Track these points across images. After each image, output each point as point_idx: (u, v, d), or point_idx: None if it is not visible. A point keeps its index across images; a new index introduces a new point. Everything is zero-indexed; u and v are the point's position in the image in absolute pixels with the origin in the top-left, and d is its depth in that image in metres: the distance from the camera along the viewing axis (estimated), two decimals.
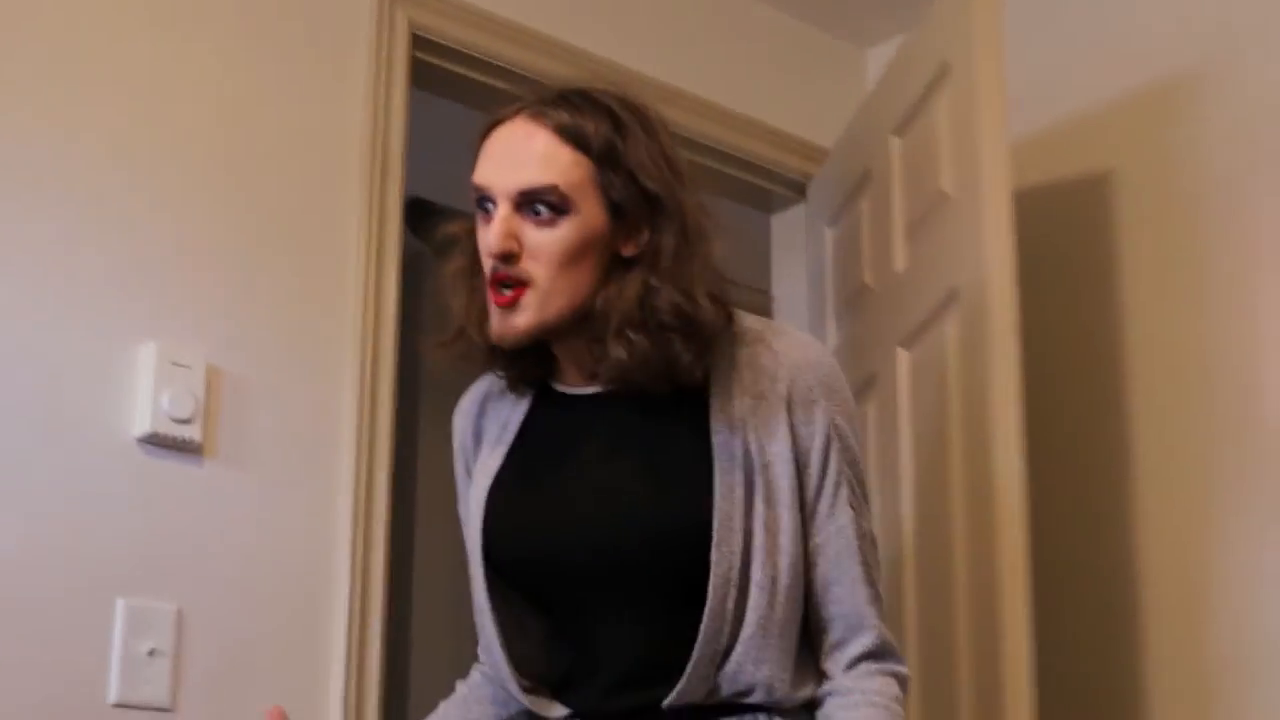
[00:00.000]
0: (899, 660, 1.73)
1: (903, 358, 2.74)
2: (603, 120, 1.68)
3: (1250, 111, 2.84)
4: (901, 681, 1.72)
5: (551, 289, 1.66)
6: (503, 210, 1.66)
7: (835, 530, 1.70)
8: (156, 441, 2.27)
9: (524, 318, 1.67)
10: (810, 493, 1.70)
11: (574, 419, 1.75)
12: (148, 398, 2.27)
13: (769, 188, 3.25)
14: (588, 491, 1.71)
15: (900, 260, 2.79)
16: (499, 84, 2.73)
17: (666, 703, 1.66)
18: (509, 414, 1.81)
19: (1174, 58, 2.95)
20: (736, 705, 1.68)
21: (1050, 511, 2.84)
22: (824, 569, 1.70)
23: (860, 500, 1.74)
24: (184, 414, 2.29)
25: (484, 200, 1.69)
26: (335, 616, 2.41)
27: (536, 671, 1.75)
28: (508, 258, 1.66)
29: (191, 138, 2.42)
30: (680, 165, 1.73)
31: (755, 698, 1.67)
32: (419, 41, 2.70)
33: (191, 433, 2.30)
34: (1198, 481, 2.78)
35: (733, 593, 1.65)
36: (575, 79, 1.78)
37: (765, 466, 1.68)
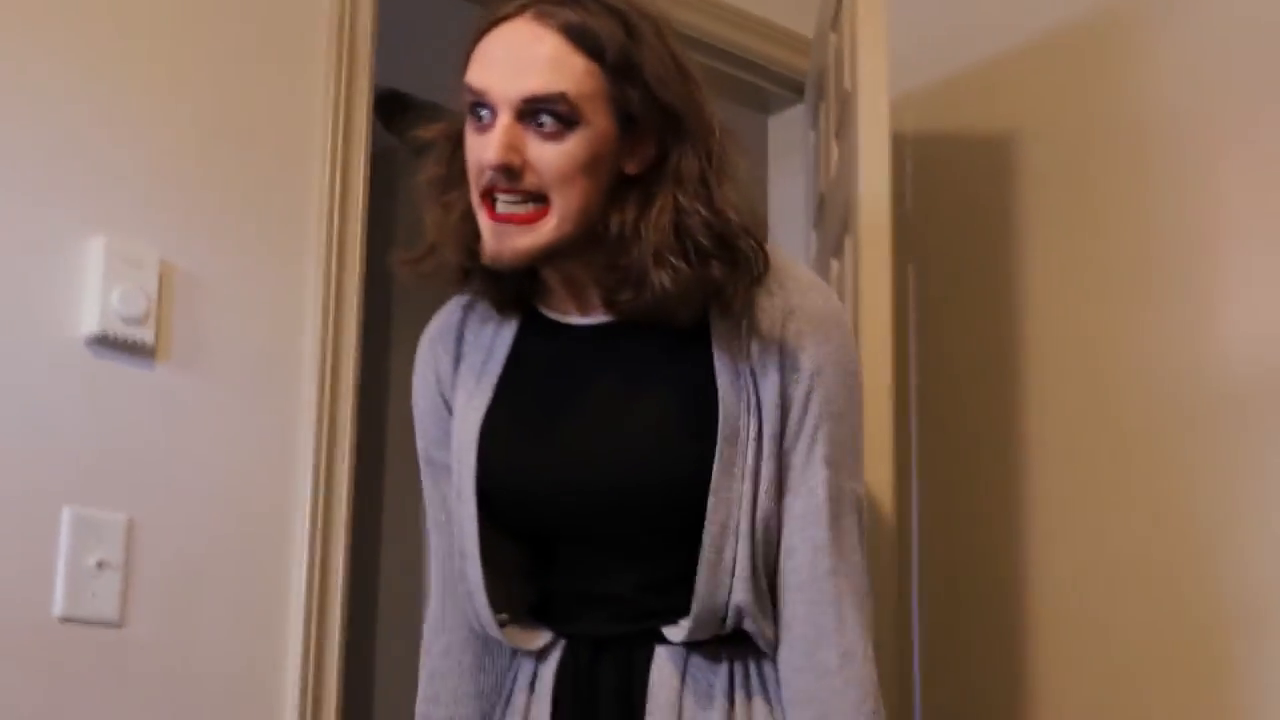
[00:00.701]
0: (856, 648, 1.62)
1: (834, 269, 2.66)
2: (615, 24, 1.58)
3: (1172, 58, 2.76)
4: (853, 683, 1.61)
5: (566, 212, 1.57)
6: (504, 119, 1.56)
7: (806, 491, 1.63)
8: (106, 343, 2.20)
9: (528, 239, 1.58)
10: (788, 442, 1.63)
11: (571, 351, 1.69)
12: (95, 296, 2.19)
13: (765, 86, 3.14)
14: (590, 433, 1.65)
15: (833, 162, 2.73)
16: None
17: (671, 632, 1.63)
18: (491, 340, 1.73)
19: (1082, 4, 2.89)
20: (738, 634, 1.65)
21: (934, 487, 2.86)
22: (789, 534, 1.63)
23: (844, 457, 1.65)
24: (135, 313, 2.21)
25: (479, 106, 1.58)
26: (296, 528, 2.35)
27: (514, 605, 1.70)
28: (510, 172, 1.56)
29: (148, 17, 2.32)
30: (697, 76, 1.64)
31: (748, 626, 1.64)
32: None
33: (143, 334, 2.22)
34: (1094, 473, 2.74)
35: (731, 540, 1.61)
36: None
37: (758, 410, 1.62)
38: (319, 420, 2.37)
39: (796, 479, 1.63)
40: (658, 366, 1.65)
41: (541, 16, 1.57)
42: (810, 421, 1.63)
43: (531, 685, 1.70)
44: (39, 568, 2.10)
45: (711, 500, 1.59)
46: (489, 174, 1.57)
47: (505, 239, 1.59)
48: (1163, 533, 2.64)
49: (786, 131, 3.21)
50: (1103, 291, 2.80)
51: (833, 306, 1.70)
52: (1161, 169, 2.74)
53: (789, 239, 3.09)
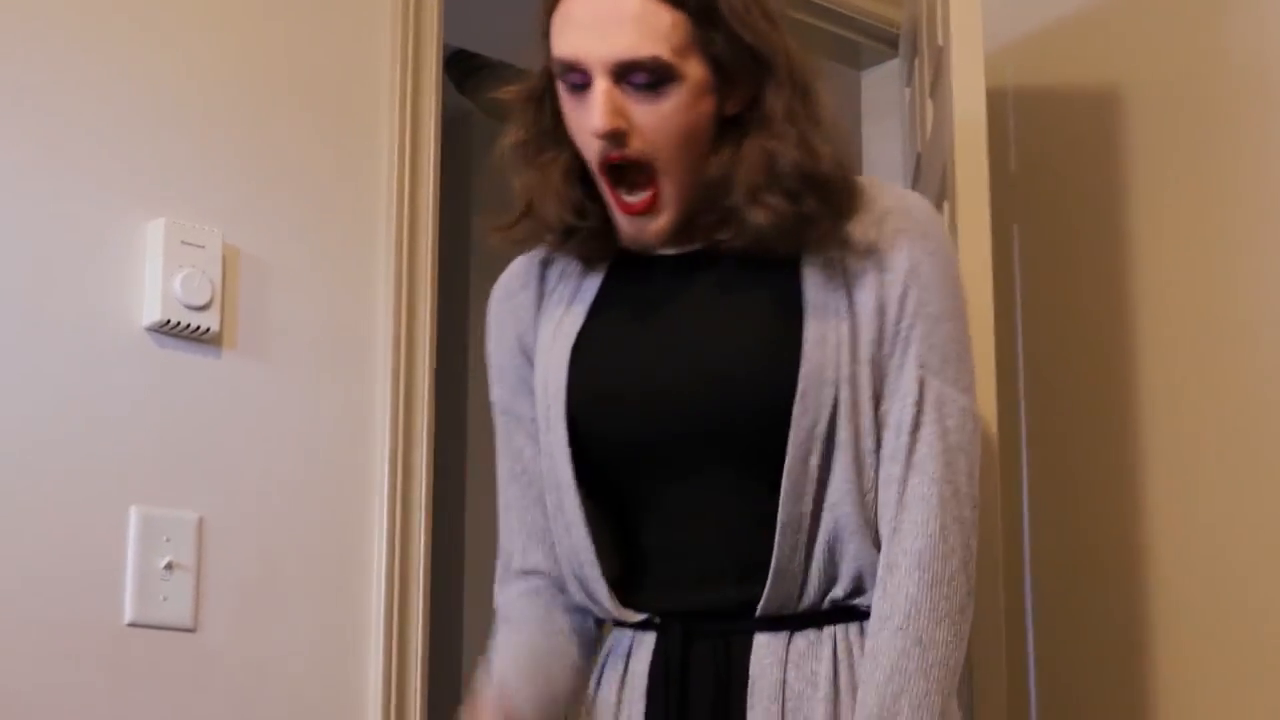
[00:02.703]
0: (941, 577, 1.57)
1: None
2: None
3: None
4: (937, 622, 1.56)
5: (680, 171, 1.62)
6: (601, 84, 1.58)
7: (899, 394, 1.61)
8: (169, 330, 2.15)
9: (661, 221, 1.64)
10: (885, 347, 1.62)
11: (663, 278, 1.70)
12: (157, 281, 2.14)
13: (857, 40, 3.04)
14: (682, 343, 1.66)
15: (929, 123, 2.64)
16: None
17: (763, 602, 1.61)
18: (579, 280, 1.74)
19: None
20: (845, 612, 1.62)
21: (1044, 462, 2.79)
22: (885, 440, 1.61)
23: (944, 360, 1.62)
24: (199, 300, 2.15)
25: (571, 73, 1.60)
26: (373, 524, 2.29)
27: (610, 577, 1.69)
28: (617, 137, 1.59)
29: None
30: (776, 11, 1.65)
31: (845, 585, 1.61)
32: None
33: (208, 320, 2.17)
34: (1214, 447, 2.63)
35: (817, 447, 1.59)
36: None
37: (853, 317, 1.62)
38: (394, 405, 2.31)
39: (892, 383, 1.62)
40: (751, 282, 1.66)
41: None
42: (905, 322, 1.62)
43: (623, 680, 1.68)
44: (107, 571, 2.06)
45: (797, 407, 1.59)
46: (598, 143, 1.60)
47: (642, 226, 1.65)
48: None
49: (881, 87, 3.13)
50: (1221, 253, 2.69)
51: (931, 211, 1.71)
52: (1274, 126, 2.62)
53: None
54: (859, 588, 1.61)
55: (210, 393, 2.17)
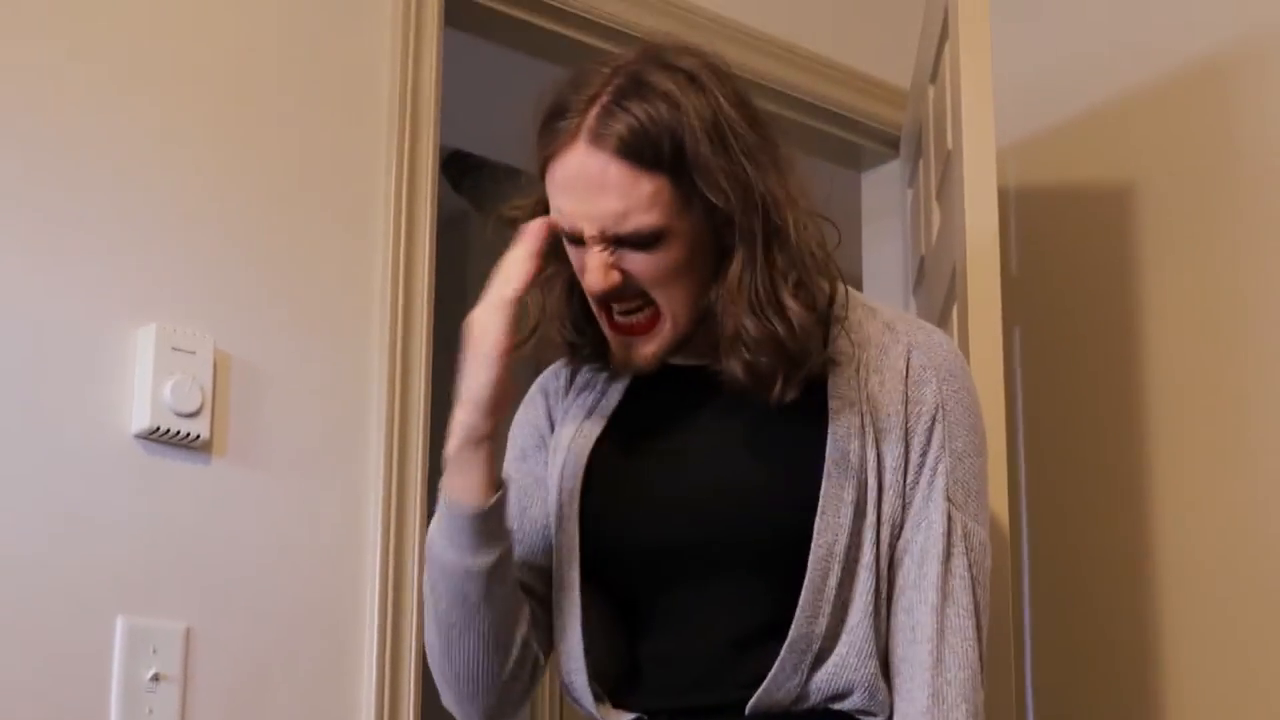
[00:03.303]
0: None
1: None
2: (662, 114, 1.59)
3: None
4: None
5: (676, 310, 1.65)
6: (595, 248, 1.62)
7: (925, 525, 1.64)
8: (158, 438, 2.13)
9: (654, 345, 1.67)
10: (910, 477, 1.65)
11: (685, 390, 1.71)
12: (146, 388, 2.12)
13: (858, 142, 3.04)
14: (699, 463, 1.68)
15: (935, 228, 2.64)
16: (542, 22, 2.60)
17: (753, 702, 1.60)
18: (606, 382, 1.77)
19: (1207, 38, 2.80)
20: (828, 713, 1.62)
21: (1050, 569, 2.81)
22: (905, 570, 1.64)
23: (967, 495, 1.66)
24: (189, 406, 2.14)
25: (564, 229, 1.65)
26: (363, 635, 2.27)
27: (599, 676, 1.69)
28: (616, 292, 1.64)
29: (197, 85, 2.26)
30: (756, 144, 1.64)
31: (854, 701, 1.61)
32: None
33: (198, 427, 2.15)
34: (1228, 555, 2.65)
35: (836, 569, 1.60)
36: (617, 53, 1.68)
37: (877, 441, 1.64)
38: (386, 514, 2.29)
39: (917, 514, 1.64)
40: (759, 403, 1.66)
41: (596, 140, 1.59)
42: (932, 456, 1.65)
43: None
44: (92, 683, 2.03)
45: (817, 522, 1.60)
46: (596, 301, 1.65)
47: (632, 349, 1.67)
48: None
49: (881, 189, 3.12)
50: (1233, 354, 2.69)
51: (955, 349, 1.74)
52: None
53: (887, 301, 2.93)
54: (848, 700, 1.62)
55: (200, 500, 2.15)
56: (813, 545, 1.59)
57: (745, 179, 1.61)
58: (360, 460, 2.29)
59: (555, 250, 1.67)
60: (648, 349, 1.66)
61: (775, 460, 1.64)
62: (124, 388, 2.12)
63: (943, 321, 2.50)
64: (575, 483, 1.69)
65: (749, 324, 1.61)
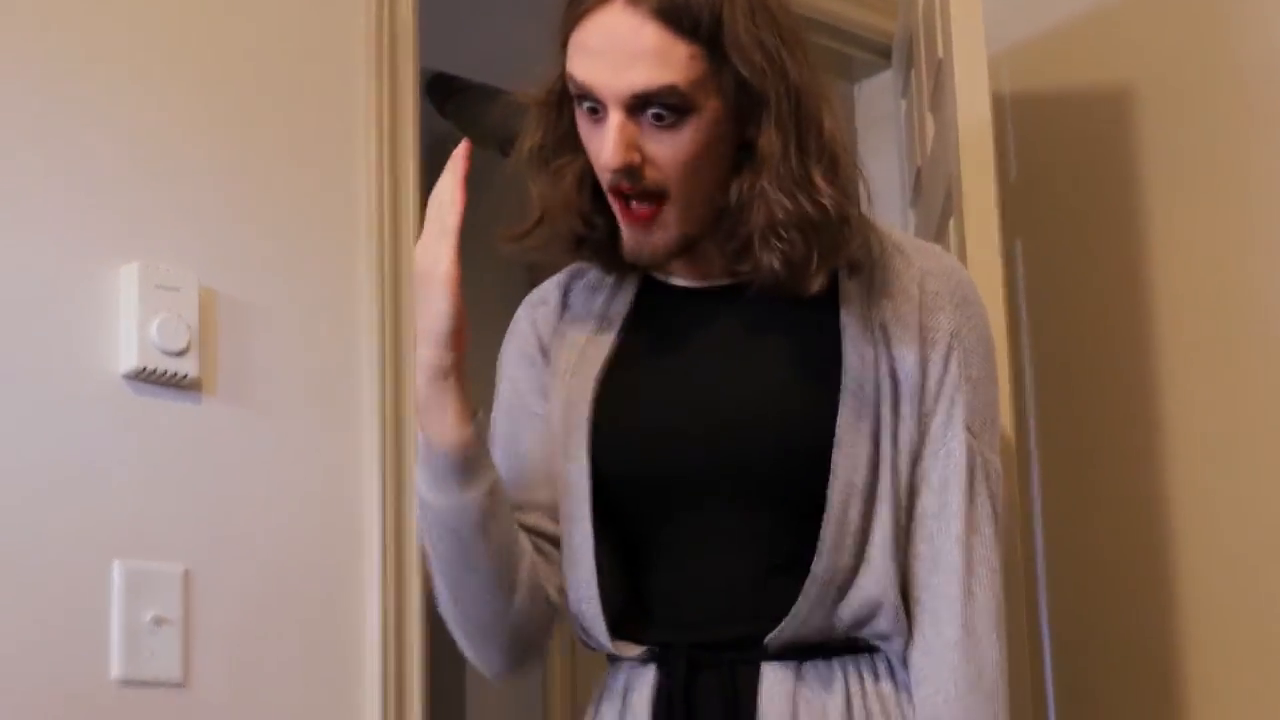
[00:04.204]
0: (979, 652, 1.61)
1: None
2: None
3: None
4: (977, 683, 1.60)
5: (690, 200, 1.61)
6: (615, 118, 1.57)
7: (944, 454, 1.64)
8: (146, 378, 2.10)
9: (665, 235, 1.62)
10: (927, 405, 1.64)
11: (692, 313, 1.70)
12: (132, 328, 2.09)
13: (850, 52, 3.00)
14: (712, 385, 1.66)
15: (930, 139, 2.60)
16: None
17: (773, 634, 1.59)
18: (607, 304, 1.74)
19: None
20: (852, 644, 1.62)
21: (1058, 488, 2.80)
22: (924, 500, 1.64)
23: (984, 425, 1.66)
24: (176, 345, 2.11)
25: (586, 99, 1.60)
26: (366, 572, 2.25)
27: (612, 608, 1.67)
28: (630, 172, 1.58)
29: (169, 19, 2.22)
30: (791, 34, 1.63)
31: (875, 627, 1.61)
32: None
33: (186, 366, 2.12)
34: (1238, 459, 2.62)
35: (856, 502, 1.60)
36: None
37: (893, 372, 1.63)
38: (384, 445, 2.27)
39: (935, 442, 1.64)
40: (783, 324, 1.66)
41: (634, 1, 1.56)
42: (949, 384, 1.64)
43: (621, 716, 1.66)
44: (92, 628, 2.02)
45: (836, 455, 1.59)
46: (610, 175, 1.60)
47: (641, 238, 1.63)
48: None
49: (876, 100, 3.09)
50: (1240, 256, 2.66)
51: (968, 276, 1.74)
52: None
53: (885, 215, 2.89)
54: (870, 624, 1.61)
55: (191, 441, 2.13)
56: (832, 479, 1.58)
57: (782, 62, 1.59)
58: (354, 393, 2.27)
59: (570, 137, 1.65)
60: (658, 239, 1.62)
61: (790, 388, 1.63)
62: (109, 328, 2.09)
63: (939, 236, 2.47)
64: (584, 412, 1.67)
65: (783, 204, 1.58)
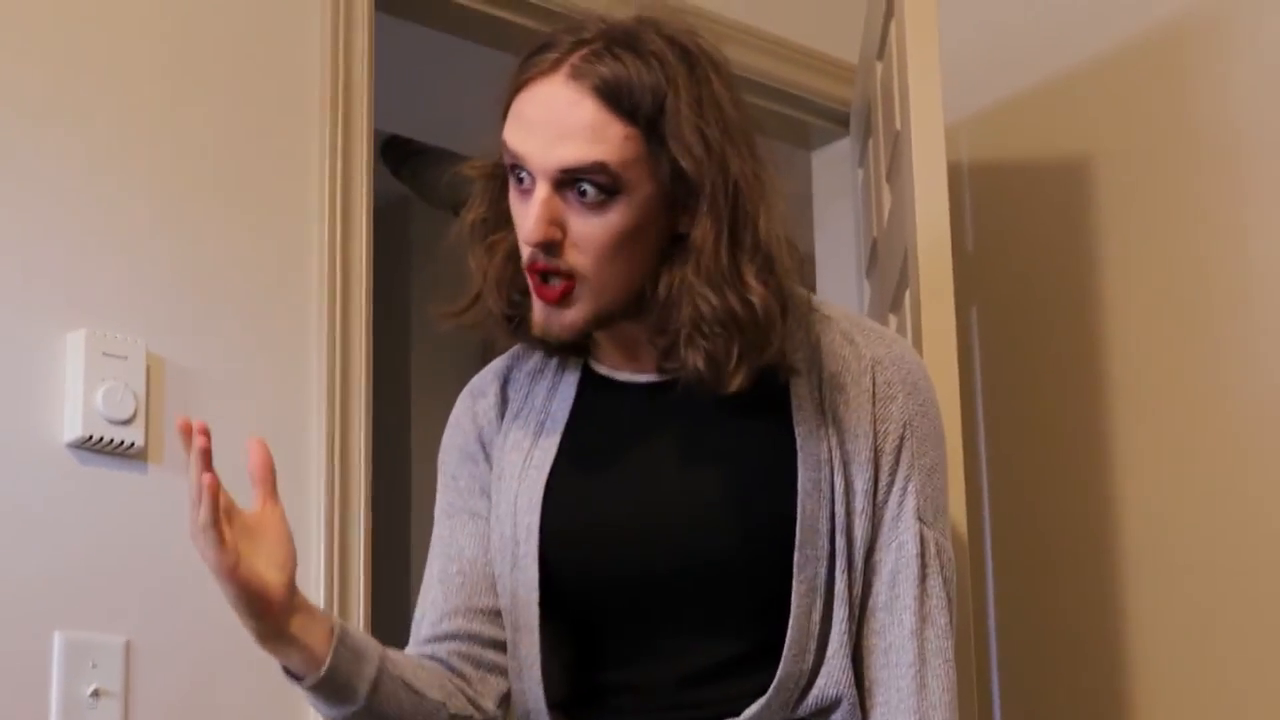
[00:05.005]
0: None
1: (893, 325, 2.55)
2: (650, 69, 1.56)
3: (1254, 62, 2.69)
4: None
5: (605, 285, 1.58)
6: (541, 191, 1.55)
7: (896, 546, 1.62)
8: (91, 447, 2.12)
9: (574, 314, 1.59)
10: (880, 496, 1.63)
11: (635, 411, 1.67)
12: (78, 396, 2.11)
13: (807, 120, 3.02)
14: (666, 490, 1.63)
15: (886, 209, 2.62)
16: (475, 4, 2.57)
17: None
18: (549, 400, 1.71)
19: (1161, 7, 2.81)
20: None
21: (1011, 556, 2.82)
22: (875, 592, 1.62)
23: (936, 512, 1.65)
24: (122, 414, 2.13)
25: (516, 167, 1.58)
26: None
27: (556, 705, 1.65)
28: (549, 248, 1.56)
29: (122, 81, 2.24)
30: (738, 128, 1.60)
31: (839, 715, 1.60)
32: None
33: (132, 435, 2.14)
34: (1189, 530, 2.66)
35: (818, 604, 1.59)
36: (620, 12, 1.64)
37: (845, 465, 1.62)
38: (329, 513, 2.28)
39: (887, 534, 1.62)
40: (733, 423, 1.63)
41: (577, 75, 1.55)
42: (901, 474, 1.63)
43: None
44: (30, 700, 2.01)
45: (798, 557, 1.57)
46: (529, 249, 1.57)
47: (551, 316, 1.59)
48: (1259, 570, 2.56)
49: (832, 168, 3.10)
50: (1193, 328, 2.70)
51: (919, 361, 1.72)
52: (1255, 184, 2.65)
53: (840, 284, 3.00)
54: (842, 709, 1.60)
55: (136, 510, 2.13)
56: (794, 581, 1.57)
57: (723, 155, 1.57)
58: (302, 460, 2.28)
59: (504, 213, 1.63)
60: (566, 317, 1.58)
61: (746, 488, 1.61)
62: (54, 396, 2.10)
63: (895, 307, 2.49)
64: (532, 520, 1.64)
65: (709, 299, 1.55)
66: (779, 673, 1.56)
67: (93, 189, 2.17)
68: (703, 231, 1.56)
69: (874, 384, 1.64)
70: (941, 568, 1.63)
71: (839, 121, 3.00)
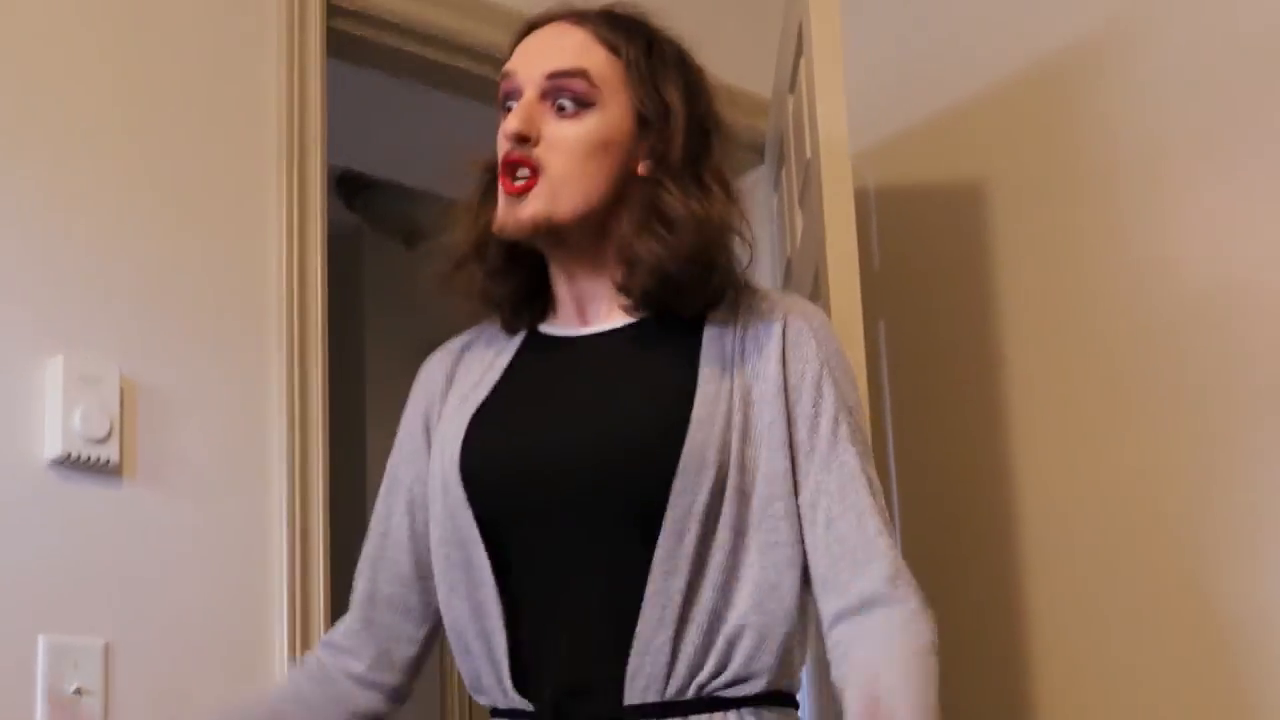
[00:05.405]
0: (913, 595, 1.60)
1: None
2: (640, 37, 1.71)
3: (1136, 92, 2.75)
4: (920, 620, 1.59)
5: (564, 180, 1.65)
6: (528, 95, 1.67)
7: (838, 466, 1.62)
8: (71, 464, 2.15)
9: (531, 207, 1.65)
10: (804, 431, 1.63)
11: (566, 357, 1.73)
12: (57, 417, 2.14)
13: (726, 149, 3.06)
14: (569, 411, 1.67)
15: (799, 231, 2.68)
16: (421, 50, 2.65)
17: (631, 671, 1.56)
18: (492, 358, 1.78)
19: (1048, 40, 2.87)
20: (704, 701, 1.58)
21: (922, 559, 2.77)
22: (826, 506, 1.61)
23: (865, 449, 1.66)
24: (99, 432, 2.16)
25: (508, 97, 1.69)
26: (275, 644, 2.28)
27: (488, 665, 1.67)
28: (523, 140, 1.65)
29: (91, 123, 2.27)
30: (705, 99, 1.74)
31: (719, 674, 1.58)
32: (333, 9, 2.55)
33: (108, 452, 2.18)
34: (1086, 527, 2.71)
35: (694, 526, 1.58)
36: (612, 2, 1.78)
37: (746, 405, 1.63)
38: (291, 524, 2.31)
39: (825, 458, 1.62)
40: (646, 359, 1.68)
41: (576, 20, 1.71)
42: (829, 408, 1.64)
43: None
44: (18, 698, 2.05)
45: (676, 484, 1.58)
46: (507, 144, 1.66)
47: (510, 209, 1.66)
48: (1161, 574, 2.62)
49: (750, 193, 3.09)
50: (1081, 336, 2.76)
51: (827, 320, 1.75)
52: (1133, 205, 2.72)
53: None
54: (740, 678, 1.59)
55: (114, 521, 2.16)
56: (668, 505, 1.57)
57: (697, 109, 1.71)
58: (264, 474, 2.31)
59: (490, 200, 1.71)
60: (524, 210, 1.65)
61: (640, 418, 1.63)
62: (35, 418, 2.12)
63: None
64: (455, 447, 1.68)
65: (678, 198, 1.65)
66: (646, 589, 1.56)
67: (66, 225, 2.19)
68: (666, 169, 1.67)
69: (784, 331, 1.67)
70: (876, 502, 1.62)
71: (755, 150, 3.03)
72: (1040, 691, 2.73)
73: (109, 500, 2.17)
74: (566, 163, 1.65)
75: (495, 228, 1.68)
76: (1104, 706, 2.64)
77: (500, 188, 1.67)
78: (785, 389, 1.64)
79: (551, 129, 1.66)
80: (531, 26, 1.73)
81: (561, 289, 1.74)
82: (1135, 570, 2.63)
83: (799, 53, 2.56)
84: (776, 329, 1.67)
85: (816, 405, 1.64)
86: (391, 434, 1.85)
